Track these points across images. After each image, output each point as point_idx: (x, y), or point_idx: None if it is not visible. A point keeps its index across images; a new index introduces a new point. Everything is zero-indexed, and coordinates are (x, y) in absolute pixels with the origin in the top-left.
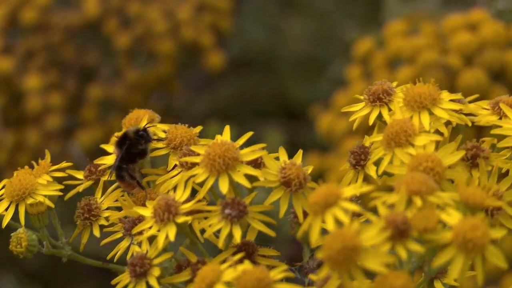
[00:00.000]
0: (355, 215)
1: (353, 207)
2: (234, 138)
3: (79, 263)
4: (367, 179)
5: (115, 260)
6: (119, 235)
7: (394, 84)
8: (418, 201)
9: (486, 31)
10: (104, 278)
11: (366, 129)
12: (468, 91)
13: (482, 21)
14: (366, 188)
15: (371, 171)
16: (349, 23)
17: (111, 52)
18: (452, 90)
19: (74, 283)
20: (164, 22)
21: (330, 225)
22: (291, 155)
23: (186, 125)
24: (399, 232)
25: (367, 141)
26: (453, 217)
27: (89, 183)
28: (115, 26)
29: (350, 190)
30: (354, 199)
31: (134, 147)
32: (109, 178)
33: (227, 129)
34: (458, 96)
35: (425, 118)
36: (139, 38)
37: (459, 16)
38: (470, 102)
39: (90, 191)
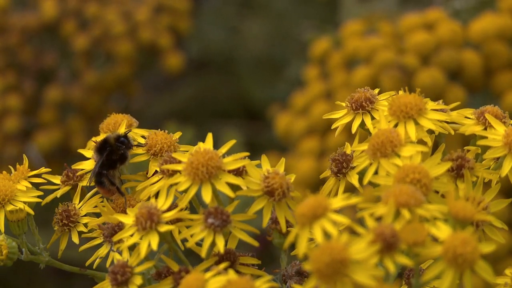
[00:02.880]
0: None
1: (342, 219)
2: (193, 139)
3: (38, 264)
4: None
5: (94, 267)
6: (97, 241)
7: (376, 91)
8: (406, 214)
9: (442, 30)
10: (63, 279)
11: (324, 130)
12: (425, 90)
13: (438, 20)
14: (354, 200)
15: (353, 179)
16: (306, 24)
17: (69, 54)
18: (409, 89)
19: (34, 284)
20: (122, 23)
21: (318, 238)
22: (250, 156)
23: (150, 129)
24: (388, 245)
25: (348, 148)
26: (442, 230)
27: (66, 188)
28: (72, 27)
29: (338, 202)
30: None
31: (114, 153)
32: (88, 184)
33: (209, 137)
34: (441, 105)
35: (411, 128)
36: (97, 40)
37: (415, 15)
38: (451, 110)
39: (68, 196)
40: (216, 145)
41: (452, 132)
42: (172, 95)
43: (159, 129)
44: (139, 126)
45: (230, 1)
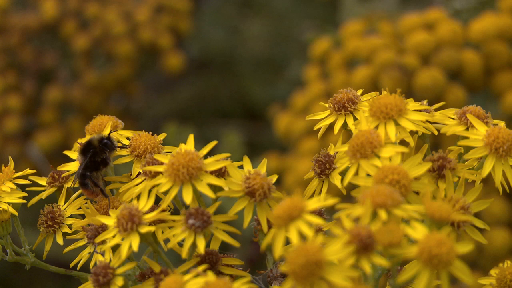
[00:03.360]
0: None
1: (317, 220)
2: (195, 139)
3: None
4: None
5: (78, 268)
6: (82, 243)
7: (360, 92)
8: (383, 214)
9: (443, 30)
10: (64, 280)
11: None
12: (425, 90)
13: (438, 20)
14: (330, 201)
15: (336, 180)
16: (306, 24)
17: (69, 54)
18: (409, 89)
19: (34, 284)
20: (122, 23)
21: (294, 239)
22: (250, 155)
23: (150, 129)
24: (364, 246)
25: (331, 149)
26: (418, 231)
27: (52, 189)
28: (73, 28)
29: (314, 203)
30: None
31: (98, 155)
32: (72, 186)
33: (191, 138)
34: (424, 105)
35: (391, 129)
36: (97, 40)
37: (416, 15)
38: (436, 109)
39: (53, 198)
40: (217, 145)
41: (436, 132)
42: (173, 95)
43: (160, 129)
44: (139, 126)
45: (230, 1)
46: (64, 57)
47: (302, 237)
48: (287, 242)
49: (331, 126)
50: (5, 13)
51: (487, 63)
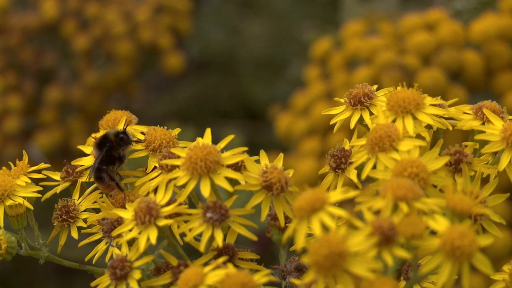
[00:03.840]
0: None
1: (340, 212)
2: (193, 139)
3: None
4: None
5: (93, 262)
6: (97, 237)
7: (375, 87)
8: (404, 207)
9: (443, 31)
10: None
11: (324, 130)
12: (425, 91)
13: (439, 21)
14: (352, 193)
15: (352, 175)
16: (307, 24)
17: (69, 54)
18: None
19: (35, 284)
20: (122, 23)
21: (316, 231)
22: (251, 155)
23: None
24: (386, 238)
25: (346, 144)
26: (440, 224)
27: (66, 184)
28: (73, 28)
29: (336, 195)
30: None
31: (114, 149)
32: (88, 180)
33: (208, 132)
34: (439, 100)
35: (409, 123)
36: (97, 40)
37: (416, 16)
38: (449, 106)
39: (67, 192)
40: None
41: (450, 128)
42: (173, 95)
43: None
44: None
45: (230, 1)
46: (64, 57)
47: (325, 228)
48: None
49: (332, 126)
50: (5, 13)
51: (488, 64)
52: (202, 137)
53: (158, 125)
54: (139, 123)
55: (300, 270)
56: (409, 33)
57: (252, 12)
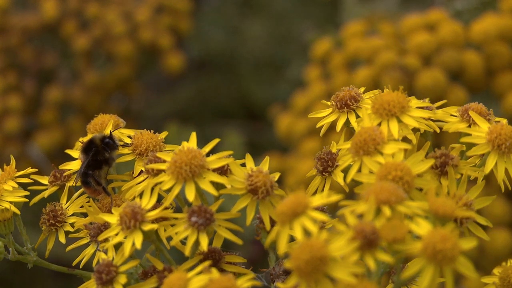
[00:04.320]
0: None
1: (322, 216)
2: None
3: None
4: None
5: (81, 266)
6: (84, 241)
7: (362, 90)
8: (387, 211)
9: (444, 31)
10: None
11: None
12: (426, 91)
13: (440, 21)
14: (334, 198)
15: (339, 178)
16: (307, 24)
17: (70, 54)
18: (410, 90)
19: (34, 284)
20: (122, 24)
21: (298, 235)
22: (251, 156)
23: (151, 129)
24: (368, 242)
25: (334, 147)
26: (422, 227)
27: (54, 188)
28: (73, 28)
29: (318, 200)
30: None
31: (100, 153)
32: (74, 184)
33: (193, 136)
34: (426, 103)
35: (394, 126)
36: (97, 40)
37: (417, 16)
38: (437, 107)
39: (55, 196)
40: (218, 145)
41: (438, 130)
42: (173, 95)
43: (160, 129)
44: (139, 126)
45: (231, 1)
46: (64, 57)
47: (307, 233)
48: (291, 239)
49: (333, 126)
50: (5, 13)
51: (488, 64)
52: (202, 138)
53: (159, 126)
54: (139, 123)
55: (288, 273)
56: (410, 34)
57: (252, 12)
